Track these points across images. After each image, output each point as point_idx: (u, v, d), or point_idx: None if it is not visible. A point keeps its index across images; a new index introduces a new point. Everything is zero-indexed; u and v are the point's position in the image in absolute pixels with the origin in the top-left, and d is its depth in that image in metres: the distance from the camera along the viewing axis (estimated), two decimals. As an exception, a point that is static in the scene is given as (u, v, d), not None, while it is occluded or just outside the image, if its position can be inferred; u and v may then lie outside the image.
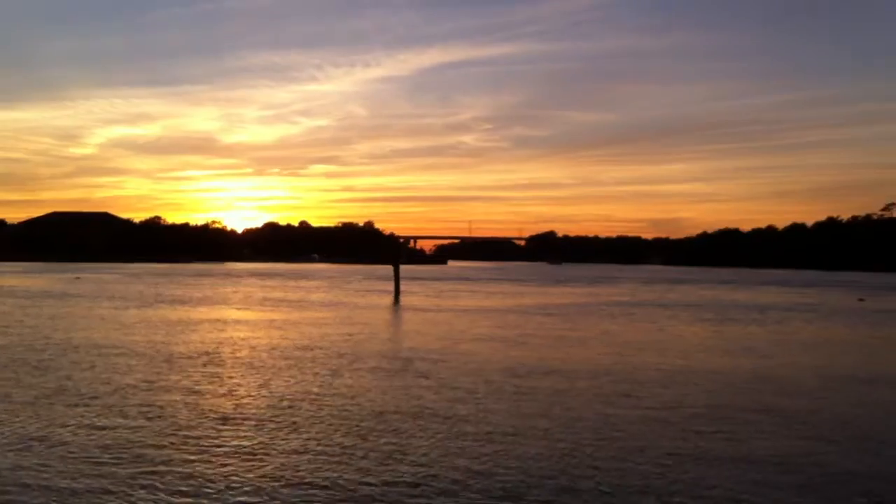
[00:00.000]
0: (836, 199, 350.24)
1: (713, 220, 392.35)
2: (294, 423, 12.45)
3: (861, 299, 53.51)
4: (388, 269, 72.67)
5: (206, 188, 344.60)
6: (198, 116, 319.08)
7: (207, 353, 20.57)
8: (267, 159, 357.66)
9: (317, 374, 17.47)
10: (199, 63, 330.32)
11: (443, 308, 39.93)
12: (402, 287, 53.57)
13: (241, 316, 33.06)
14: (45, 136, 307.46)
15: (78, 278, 70.15)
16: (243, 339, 24.18)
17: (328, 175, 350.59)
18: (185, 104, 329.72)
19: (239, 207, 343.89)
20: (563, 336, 26.52)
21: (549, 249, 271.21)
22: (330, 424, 12.35)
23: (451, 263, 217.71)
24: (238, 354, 20.58)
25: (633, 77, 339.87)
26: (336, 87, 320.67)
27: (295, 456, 10.49)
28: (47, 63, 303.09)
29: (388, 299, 46.90)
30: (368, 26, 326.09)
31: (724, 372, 18.55)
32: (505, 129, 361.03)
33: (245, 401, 14.19)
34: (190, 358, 19.73)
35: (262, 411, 13.29)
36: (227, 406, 13.68)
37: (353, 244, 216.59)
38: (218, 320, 30.60)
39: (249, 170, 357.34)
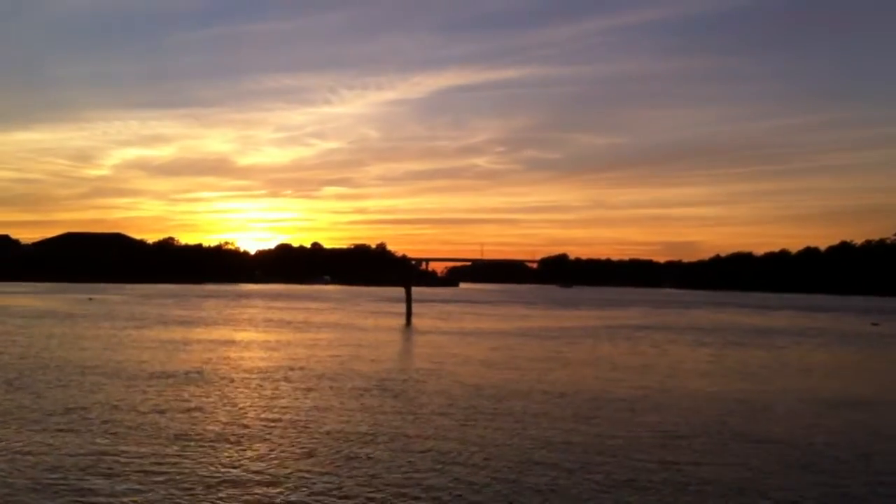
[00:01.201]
0: (849, 224, 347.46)
1: (726, 244, 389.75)
2: (240, 440, 12.35)
3: (875, 324, 52.70)
4: (398, 291, 72.47)
5: (220, 209, 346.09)
6: (212, 138, 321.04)
7: (186, 373, 20.32)
8: (280, 181, 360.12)
9: (286, 393, 17.32)
10: (214, 85, 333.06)
11: (445, 330, 39.55)
12: (419, 310, 53.09)
13: (236, 337, 32.80)
14: (60, 157, 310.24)
15: (91, 299, 70.04)
16: (229, 360, 23.93)
17: (341, 197, 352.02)
18: (200, 126, 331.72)
19: (252, 229, 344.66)
20: (552, 358, 26.10)
21: (561, 272, 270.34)
22: (276, 442, 12.24)
23: (462, 286, 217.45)
24: (217, 374, 20.33)
25: (645, 100, 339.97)
26: (349, 109, 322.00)
27: (232, 471, 10.33)
28: (63, 84, 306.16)
29: (392, 321, 46.56)
30: (381, 49, 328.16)
31: (705, 396, 18.09)
32: (517, 151, 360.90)
33: (204, 420, 14.02)
34: (167, 377, 19.53)
35: (217, 429, 13.20)
36: (185, 425, 13.51)
37: (365, 266, 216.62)
38: (212, 341, 30.34)
39: (263, 191, 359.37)
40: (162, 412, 14.67)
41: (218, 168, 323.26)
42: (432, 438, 12.59)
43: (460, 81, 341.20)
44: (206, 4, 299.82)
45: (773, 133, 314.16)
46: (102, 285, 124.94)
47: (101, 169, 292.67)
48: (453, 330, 39.70)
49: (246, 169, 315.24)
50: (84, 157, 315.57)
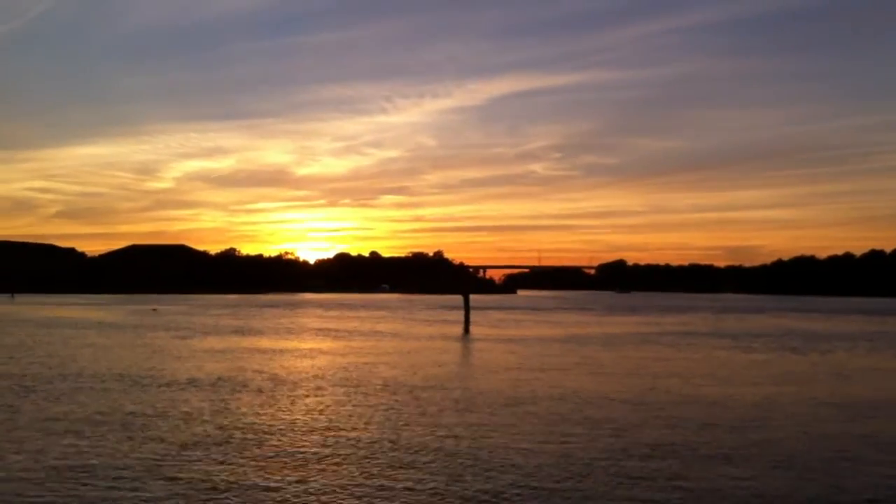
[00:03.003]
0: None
1: (789, 248, 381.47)
2: (216, 442, 12.62)
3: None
4: (456, 299, 72.52)
5: (280, 220, 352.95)
6: (271, 149, 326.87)
7: (204, 380, 20.53)
8: (338, 190, 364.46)
9: (291, 399, 17.55)
10: (272, 97, 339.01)
11: (490, 337, 39.29)
12: (472, 317, 52.91)
13: (275, 345, 32.75)
14: (123, 171, 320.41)
15: (155, 310, 71.27)
16: (253, 368, 23.87)
17: (398, 205, 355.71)
18: (259, 137, 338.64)
19: (311, 238, 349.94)
20: (581, 364, 25.81)
21: (619, 278, 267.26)
22: (256, 442, 12.60)
23: (520, 293, 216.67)
24: (234, 382, 20.42)
25: (704, 102, 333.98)
26: (406, 118, 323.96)
27: (194, 471, 10.46)
28: (126, 98, 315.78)
29: (450, 329, 46.24)
30: (437, 57, 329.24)
31: (720, 402, 17.56)
32: (575, 157, 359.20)
33: (196, 425, 14.16)
34: (181, 385, 19.74)
35: (208, 433, 13.39)
36: (176, 430, 13.69)
37: (423, 274, 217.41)
38: (249, 349, 30.51)
39: (322, 201, 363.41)
40: (157, 416, 15.01)
41: (277, 179, 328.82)
42: (400, 448, 12.24)
43: (516, 88, 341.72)
44: (262, 17, 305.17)
45: (835, 134, 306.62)
46: (166, 296, 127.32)
47: (164, 182, 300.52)
48: (501, 337, 39.23)
49: (304, 179, 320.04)
50: (147, 170, 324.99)
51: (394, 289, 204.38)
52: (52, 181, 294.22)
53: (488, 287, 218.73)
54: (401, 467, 11.12)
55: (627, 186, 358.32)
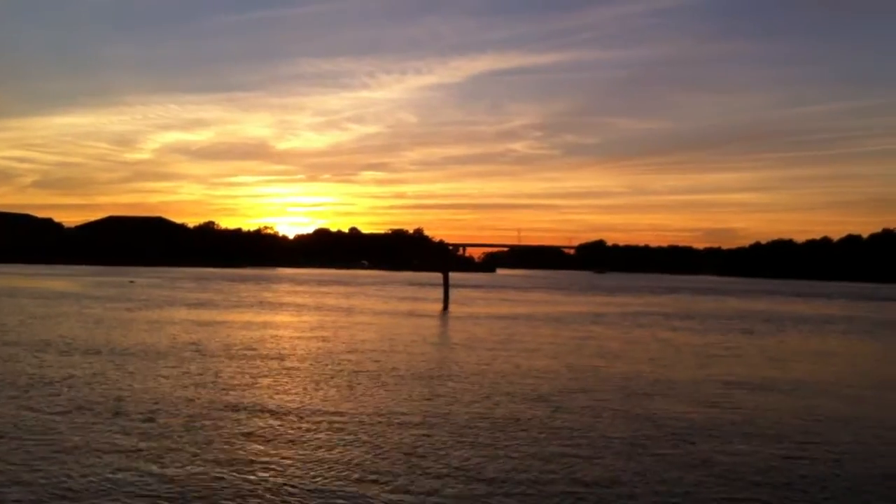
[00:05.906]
0: (892, 211, 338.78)
1: (767, 231, 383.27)
2: (135, 413, 12.43)
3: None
4: (436, 277, 72.22)
5: (259, 194, 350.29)
6: (251, 123, 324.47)
7: (118, 349, 20.26)
8: (319, 165, 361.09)
9: (217, 371, 17.27)
10: (253, 70, 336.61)
11: (481, 316, 38.75)
12: (432, 294, 52.30)
13: (221, 318, 32.12)
14: (102, 142, 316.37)
15: (132, 282, 70.46)
16: (183, 339, 23.43)
17: (379, 182, 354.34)
18: (239, 110, 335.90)
19: (291, 213, 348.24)
20: (518, 342, 25.46)
21: (598, 259, 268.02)
22: (173, 414, 12.46)
23: (499, 271, 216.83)
24: (170, 351, 20.22)
25: (686, 85, 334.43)
26: (387, 94, 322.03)
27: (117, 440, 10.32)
28: (105, 69, 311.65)
29: (429, 306, 45.86)
30: (420, 33, 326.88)
31: (612, 379, 17.53)
32: (555, 136, 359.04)
33: (125, 393, 14.17)
34: (91, 352, 19.67)
35: (127, 404, 13.10)
36: (103, 397, 13.56)
37: (403, 251, 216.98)
38: (193, 321, 29.96)
39: (301, 176, 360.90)
40: (72, 386, 14.80)
41: (257, 152, 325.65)
42: (320, 420, 11.81)
43: (498, 66, 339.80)
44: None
45: (815, 118, 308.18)
46: (144, 268, 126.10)
47: (142, 153, 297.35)
48: (480, 316, 38.70)
49: (284, 153, 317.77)
50: (125, 141, 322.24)
51: (373, 265, 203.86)
52: (29, 150, 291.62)
53: (468, 265, 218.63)
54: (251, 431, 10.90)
55: (608, 167, 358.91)
